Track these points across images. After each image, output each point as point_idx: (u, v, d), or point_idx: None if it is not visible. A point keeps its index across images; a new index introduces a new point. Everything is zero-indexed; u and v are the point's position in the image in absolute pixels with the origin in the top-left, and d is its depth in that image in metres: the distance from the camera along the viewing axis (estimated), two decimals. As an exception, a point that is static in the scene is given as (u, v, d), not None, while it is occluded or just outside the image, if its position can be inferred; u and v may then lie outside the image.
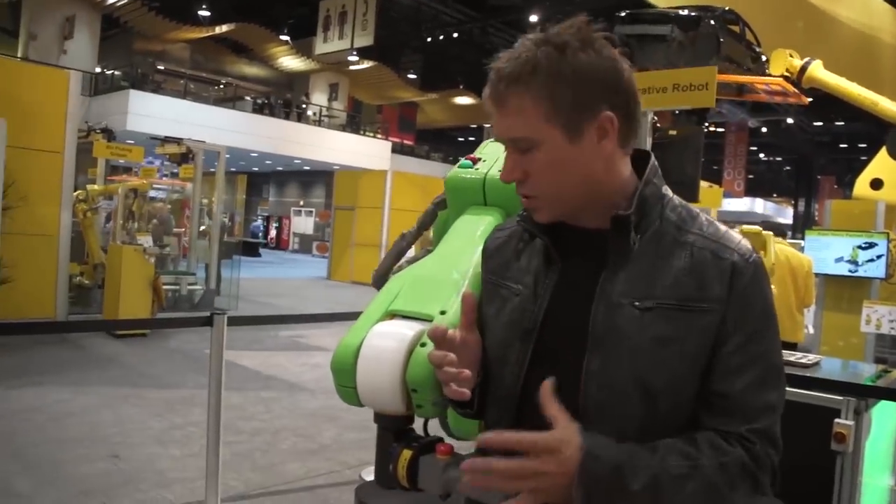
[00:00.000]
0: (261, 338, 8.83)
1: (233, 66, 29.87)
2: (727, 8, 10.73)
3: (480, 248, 1.74)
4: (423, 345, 1.45)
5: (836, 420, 3.08)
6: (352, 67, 27.19)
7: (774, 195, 41.94)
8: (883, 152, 9.23)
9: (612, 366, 1.07)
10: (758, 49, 11.56)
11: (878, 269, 8.07)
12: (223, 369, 3.80)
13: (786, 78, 10.42)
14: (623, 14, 8.77)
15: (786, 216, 37.37)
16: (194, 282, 11.70)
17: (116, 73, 22.85)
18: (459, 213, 2.01)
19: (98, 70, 22.83)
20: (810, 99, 11.29)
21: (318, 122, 27.70)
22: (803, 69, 10.30)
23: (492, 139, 2.20)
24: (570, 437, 0.97)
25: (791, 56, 10.45)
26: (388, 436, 1.48)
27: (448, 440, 1.49)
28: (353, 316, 1.63)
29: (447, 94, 30.24)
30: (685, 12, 9.89)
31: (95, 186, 11.62)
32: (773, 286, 3.83)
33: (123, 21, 23.29)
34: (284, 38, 26.92)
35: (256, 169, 32.09)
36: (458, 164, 2.09)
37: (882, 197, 9.11)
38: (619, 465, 0.98)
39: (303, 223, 33.78)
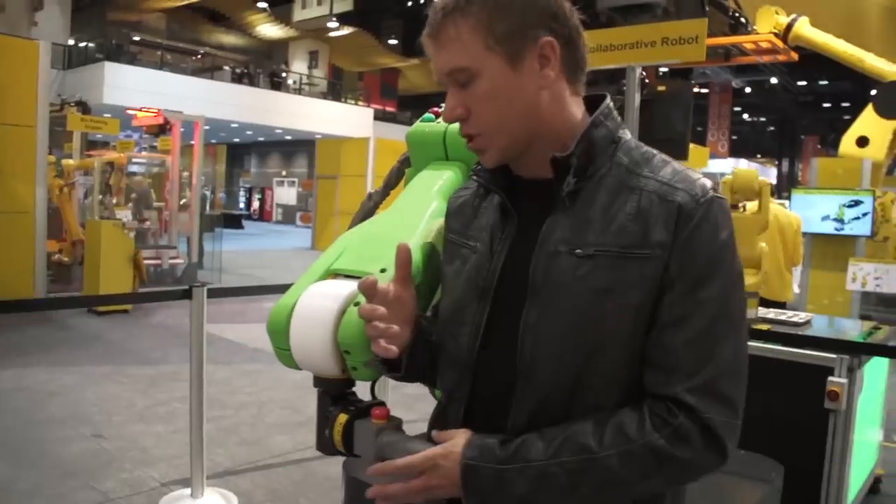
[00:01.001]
0: (245, 310, 8.73)
1: (210, 36, 29.34)
2: None
3: (435, 203, 1.66)
4: (356, 304, 1.36)
5: (830, 378, 3.06)
6: (331, 34, 26.77)
7: (758, 156, 41.98)
8: (869, 110, 9.19)
9: (547, 318, 1.01)
10: (737, 14, 11.51)
11: (863, 227, 8.09)
12: (205, 343, 3.72)
13: (774, 34, 10.36)
14: None
15: (770, 176, 37.43)
16: (176, 255, 11.57)
17: (90, 45, 22.35)
18: (421, 169, 1.92)
19: (72, 42, 22.33)
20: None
21: (299, 91, 27.33)
22: (789, 26, 10.22)
23: None
24: (450, 450, 1.01)
25: (777, 13, 10.36)
26: (326, 399, 1.42)
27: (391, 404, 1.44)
28: (334, 283, 1.54)
29: (429, 60, 29.58)
30: None
31: (71, 161, 11.39)
32: (762, 243, 3.73)
33: (95, -10, 22.80)
34: (262, 4, 26.40)
35: (237, 140, 31.74)
36: (421, 117, 1.99)
37: (867, 155, 9.08)
38: (499, 474, 0.98)
39: (286, 194, 33.53)
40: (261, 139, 31.84)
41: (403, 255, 1.10)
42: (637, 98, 3.26)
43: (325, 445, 1.40)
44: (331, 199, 18.62)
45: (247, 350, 7.06)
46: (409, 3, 26.23)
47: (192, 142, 12.32)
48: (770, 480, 2.61)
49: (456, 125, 1.92)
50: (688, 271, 0.97)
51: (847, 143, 9.39)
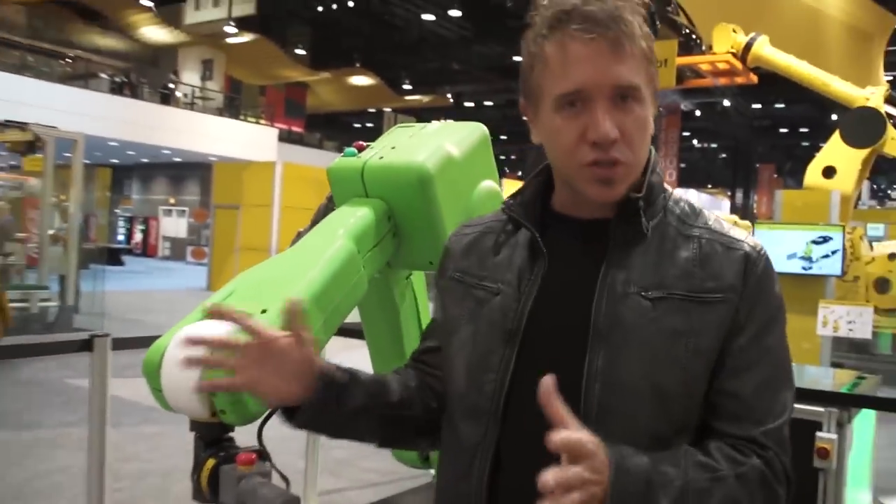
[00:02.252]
0: (136, 362, 8.48)
1: (82, 37, 28.72)
2: None
3: (340, 242, 1.82)
4: None
5: (818, 433, 3.22)
6: (229, 41, 26.62)
7: (710, 185, 43.61)
8: (836, 138, 9.69)
9: (619, 363, 1.10)
10: (690, 33, 12.08)
11: (833, 266, 8.47)
12: (108, 403, 3.65)
13: (732, 55, 10.84)
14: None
15: (722, 208, 38.91)
16: (48, 297, 11.22)
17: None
18: (343, 205, 2.07)
19: None
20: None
21: (191, 106, 27.05)
22: (748, 46, 10.73)
23: (400, 125, 2.23)
24: (593, 440, 0.95)
25: (734, 31, 10.86)
26: (200, 444, 1.56)
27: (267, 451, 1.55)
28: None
29: (341, 74, 30.05)
30: None
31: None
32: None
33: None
34: (147, 3, 26.07)
35: (116, 161, 30.99)
36: (344, 151, 2.13)
37: (835, 186, 9.58)
38: (649, 480, 1.00)
39: (174, 224, 32.89)
40: (144, 160, 31.24)
41: (293, 311, 1.16)
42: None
43: (196, 493, 1.54)
44: (231, 231, 18.43)
45: (141, 409, 6.86)
46: (320, 9, 26.37)
47: (60, 162, 12.02)
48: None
49: (376, 160, 2.08)
50: (757, 317, 1.13)
51: (813, 174, 9.87)
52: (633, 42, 1.10)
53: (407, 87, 31.78)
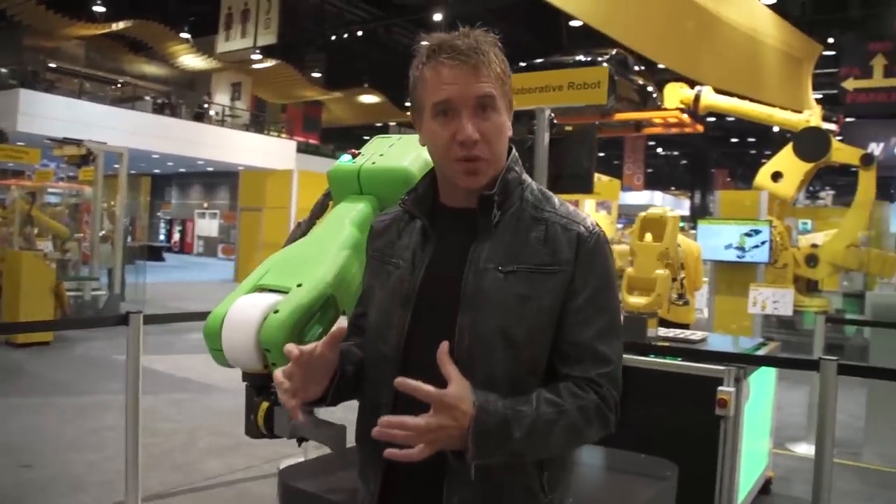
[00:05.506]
0: (172, 341, 8.73)
1: (131, 65, 28.85)
2: (616, 51, 11.49)
3: (348, 231, 2.01)
4: (276, 312, 1.67)
5: (719, 388, 3.43)
6: (255, 66, 26.69)
7: (673, 188, 43.70)
8: (788, 149, 9.94)
9: (480, 321, 1.27)
10: (646, 86, 12.26)
11: (762, 255, 8.68)
12: (141, 368, 3.83)
13: (681, 109, 11.10)
14: (523, 64, 9.63)
15: (683, 207, 39.01)
16: (98, 287, 11.41)
17: (3, 70, 21.74)
18: (340, 201, 2.24)
19: (-17, 68, 21.71)
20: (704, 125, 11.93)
21: (222, 122, 27.15)
22: (697, 98, 10.96)
23: (380, 136, 2.41)
24: (464, 394, 1.15)
25: (682, 88, 11.12)
26: (251, 391, 1.71)
27: None
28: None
29: (352, 93, 30.09)
30: (580, 57, 11.00)
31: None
32: (660, 269, 4.11)
33: (10, 15, 22.18)
34: (185, 35, 26.23)
35: (158, 171, 31.17)
36: (339, 158, 2.31)
37: (778, 189, 9.83)
38: (505, 418, 1.17)
39: (207, 226, 33.02)
40: (182, 170, 31.37)
41: (337, 332, 1.30)
42: (546, 137, 3.63)
43: (251, 429, 1.71)
44: (255, 231, 18.57)
45: (174, 380, 7.10)
46: (333, 38, 26.52)
47: (110, 172, 12.21)
48: (665, 478, 2.93)
49: (370, 166, 2.27)
50: (590, 283, 1.30)
51: (763, 176, 10.12)
52: (489, 67, 1.26)
53: (408, 103, 31.75)
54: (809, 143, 9.83)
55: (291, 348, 1.23)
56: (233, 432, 5.39)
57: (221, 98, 28.89)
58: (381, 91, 29.09)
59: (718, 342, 4.42)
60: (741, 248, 8.79)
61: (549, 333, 1.29)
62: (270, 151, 26.09)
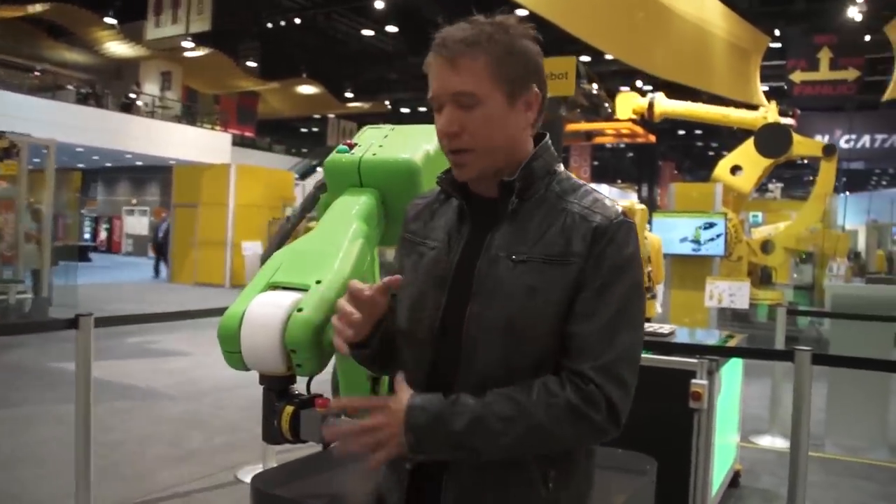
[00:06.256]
0: (107, 346, 8.50)
1: (51, 52, 27.88)
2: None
3: (355, 224, 1.99)
4: (299, 310, 1.64)
5: (693, 381, 3.52)
6: (186, 54, 26.16)
7: (619, 181, 44.45)
8: (749, 144, 10.20)
9: (486, 309, 1.30)
10: (597, 94, 12.45)
11: (717, 248, 8.93)
12: (92, 375, 3.74)
13: (634, 120, 11.33)
14: None
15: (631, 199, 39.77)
16: (23, 290, 11.03)
17: None
18: (338, 194, 2.20)
19: None
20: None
21: (151, 114, 26.53)
22: (651, 105, 11.16)
23: (370, 126, 2.40)
24: (400, 397, 1.25)
25: (635, 97, 11.33)
26: (271, 395, 1.67)
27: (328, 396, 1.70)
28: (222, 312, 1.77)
29: (289, 84, 29.75)
30: None
31: None
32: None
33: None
34: (110, 20, 25.49)
35: (82, 165, 30.25)
36: (335, 149, 2.26)
37: (737, 183, 10.11)
38: (439, 412, 1.23)
39: (136, 223, 32.27)
40: (108, 165, 30.55)
41: (392, 280, 1.37)
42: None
43: (272, 436, 1.66)
44: (189, 228, 18.25)
45: (115, 387, 6.92)
46: (269, 25, 26.17)
47: (31, 167, 11.79)
48: (645, 473, 3.00)
49: (371, 157, 2.25)
50: (601, 275, 1.28)
51: (721, 169, 10.40)
52: (474, 60, 1.27)
53: (349, 95, 31.68)
54: (771, 140, 10.12)
55: (360, 285, 1.34)
56: (183, 442, 5.29)
57: (151, 88, 28.22)
58: (319, 82, 28.86)
59: (686, 335, 4.54)
60: (696, 241, 9.02)
61: (555, 327, 1.29)
62: (204, 145, 25.59)
